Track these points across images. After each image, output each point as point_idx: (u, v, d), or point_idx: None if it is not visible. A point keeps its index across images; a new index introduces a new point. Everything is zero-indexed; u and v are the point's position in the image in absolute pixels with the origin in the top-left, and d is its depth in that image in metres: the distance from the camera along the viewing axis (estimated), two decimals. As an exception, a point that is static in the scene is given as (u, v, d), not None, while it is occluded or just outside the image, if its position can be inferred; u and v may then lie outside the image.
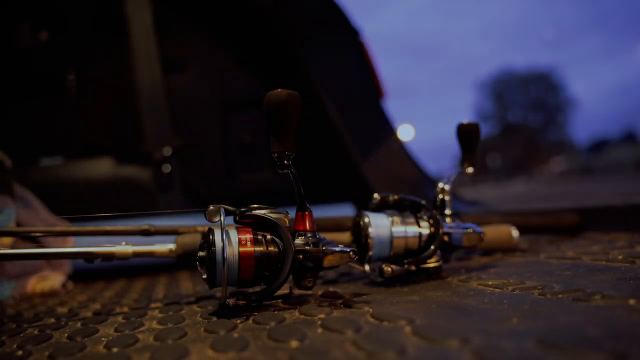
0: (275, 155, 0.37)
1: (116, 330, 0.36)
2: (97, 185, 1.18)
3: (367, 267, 0.49)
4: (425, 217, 0.50)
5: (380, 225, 0.48)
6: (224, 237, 0.36)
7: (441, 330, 0.26)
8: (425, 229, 0.50)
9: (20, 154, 0.96)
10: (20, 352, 0.32)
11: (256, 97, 1.40)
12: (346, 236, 0.54)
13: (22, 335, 0.39)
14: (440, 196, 0.54)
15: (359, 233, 0.49)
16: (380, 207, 0.52)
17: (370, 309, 0.35)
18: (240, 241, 0.38)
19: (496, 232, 0.61)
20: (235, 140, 1.42)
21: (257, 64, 1.40)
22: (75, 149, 1.30)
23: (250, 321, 0.35)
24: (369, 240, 0.47)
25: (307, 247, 0.38)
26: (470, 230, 0.51)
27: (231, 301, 0.39)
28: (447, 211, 0.53)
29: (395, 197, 0.52)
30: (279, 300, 0.42)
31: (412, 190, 1.32)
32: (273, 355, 0.26)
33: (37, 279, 0.68)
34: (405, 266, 0.47)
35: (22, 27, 1.28)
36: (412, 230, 0.49)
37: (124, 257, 0.46)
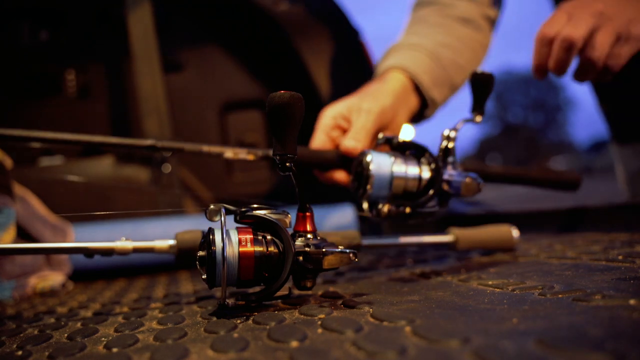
0: (277, 157, 0.37)
1: (116, 330, 0.36)
2: (97, 185, 1.18)
3: (365, 205, 0.49)
4: (427, 162, 0.51)
5: (382, 164, 0.49)
6: (224, 236, 0.36)
7: (441, 330, 0.26)
8: (426, 173, 0.50)
9: (20, 154, 0.96)
10: (20, 352, 0.32)
11: (256, 97, 1.41)
12: (351, 235, 0.54)
13: (22, 335, 0.39)
14: (445, 143, 0.54)
15: (360, 171, 0.50)
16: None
17: (370, 309, 0.35)
18: (240, 241, 0.38)
19: (496, 232, 0.61)
20: (235, 140, 1.42)
21: (257, 64, 1.40)
22: (75, 149, 1.30)
23: (250, 321, 0.35)
24: (370, 177, 0.48)
25: (307, 249, 0.38)
26: (468, 180, 0.51)
27: (231, 301, 0.39)
28: (450, 159, 0.53)
29: (400, 139, 0.52)
30: (279, 301, 0.42)
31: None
32: (273, 355, 0.26)
33: (37, 279, 0.68)
34: (401, 208, 0.47)
35: (22, 26, 1.28)
36: (412, 172, 0.50)
37: (123, 252, 0.46)
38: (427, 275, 0.50)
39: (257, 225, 0.40)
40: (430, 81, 0.78)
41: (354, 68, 1.31)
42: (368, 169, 0.48)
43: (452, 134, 0.54)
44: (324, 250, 0.38)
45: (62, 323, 0.42)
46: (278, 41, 1.33)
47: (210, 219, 0.44)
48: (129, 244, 0.46)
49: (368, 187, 0.48)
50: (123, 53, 1.26)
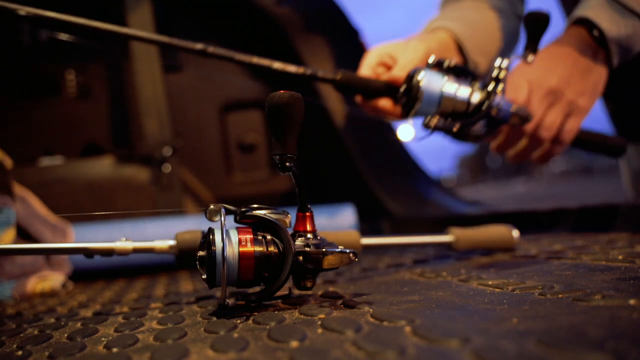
0: (277, 157, 0.37)
1: (116, 330, 0.36)
2: (97, 185, 1.18)
3: (410, 121, 0.50)
4: (477, 87, 0.51)
5: (433, 80, 0.49)
6: (224, 236, 0.36)
7: (441, 330, 0.26)
8: (476, 96, 0.50)
9: (20, 154, 0.96)
10: (20, 352, 0.32)
11: (256, 97, 1.41)
12: (351, 235, 0.54)
13: (22, 335, 0.39)
14: (496, 72, 0.54)
15: (410, 86, 0.50)
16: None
17: (370, 309, 0.35)
18: (240, 241, 0.38)
19: (496, 232, 0.61)
20: (234, 140, 1.42)
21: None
22: (75, 149, 1.30)
23: (250, 321, 0.35)
24: (420, 92, 0.48)
25: (307, 249, 0.38)
26: (516, 110, 0.51)
27: (231, 301, 0.39)
28: (499, 88, 0.53)
29: (453, 62, 0.53)
30: (279, 300, 0.42)
31: (411, 190, 1.32)
32: (273, 355, 0.26)
33: (37, 279, 0.68)
34: (450, 123, 0.48)
35: (21, 26, 1.28)
36: (462, 94, 0.50)
37: (123, 252, 0.46)
38: (427, 275, 0.50)
39: (257, 225, 0.40)
40: (472, 46, 0.78)
41: (354, 68, 1.31)
42: (418, 85, 0.48)
43: (504, 64, 0.54)
44: (323, 250, 0.38)
45: (62, 323, 0.42)
46: (278, 41, 1.33)
47: (210, 219, 0.44)
48: (129, 245, 0.46)
49: (417, 102, 0.48)
50: (123, 53, 1.26)
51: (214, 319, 0.37)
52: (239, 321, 0.35)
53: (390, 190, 1.27)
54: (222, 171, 1.39)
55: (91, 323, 0.40)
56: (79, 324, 0.41)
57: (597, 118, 1.10)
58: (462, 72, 0.53)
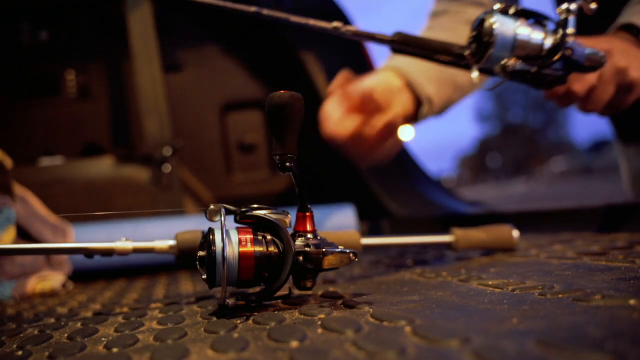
0: (277, 157, 0.37)
1: (116, 330, 0.36)
2: (97, 185, 1.18)
3: (475, 73, 0.49)
4: (549, 29, 0.50)
5: (506, 23, 0.48)
6: (224, 236, 0.36)
7: (441, 330, 0.26)
8: (549, 39, 0.49)
9: (20, 154, 0.96)
10: (20, 352, 0.32)
11: (256, 97, 1.41)
12: (351, 235, 0.54)
13: (22, 335, 0.39)
14: (564, 15, 0.53)
15: (481, 32, 0.49)
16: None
17: (370, 309, 0.35)
18: (240, 241, 0.38)
19: (496, 232, 0.61)
20: (234, 140, 1.42)
21: (256, 64, 1.40)
22: (75, 149, 1.30)
23: (250, 321, 0.35)
24: (493, 36, 0.47)
25: (307, 249, 0.38)
26: (591, 51, 0.50)
27: (231, 301, 0.39)
28: (570, 30, 0.52)
29: (520, 7, 0.52)
30: (279, 300, 0.42)
31: (411, 190, 1.32)
32: (273, 355, 0.26)
33: (37, 279, 0.68)
34: (527, 65, 0.46)
35: (21, 26, 1.28)
36: (536, 37, 0.49)
37: (123, 252, 0.46)
38: (427, 275, 0.50)
39: (257, 225, 0.40)
40: (424, 77, 0.77)
41: (354, 68, 1.31)
42: (491, 28, 0.47)
43: (572, 7, 0.53)
44: (323, 250, 0.38)
45: (62, 323, 0.42)
46: (278, 41, 1.33)
47: (210, 219, 0.44)
48: (129, 245, 0.46)
49: (490, 47, 0.47)
50: (123, 53, 1.26)
51: (214, 319, 0.37)
52: (239, 321, 0.35)
53: (390, 190, 1.28)
54: (222, 171, 1.39)
55: (91, 323, 0.40)
56: (79, 324, 0.41)
57: (598, 119, 1.10)
58: (532, 15, 0.51)
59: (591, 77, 0.63)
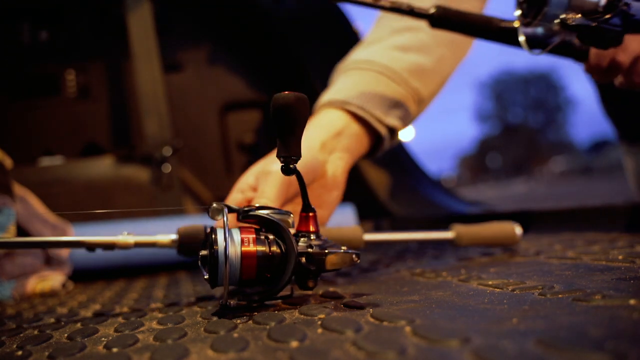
0: (281, 159, 0.37)
1: (116, 330, 0.36)
2: (97, 185, 1.18)
3: (522, 38, 0.48)
4: None
5: None
6: (227, 236, 0.36)
7: (441, 330, 0.26)
8: None
9: (20, 154, 0.96)
10: (20, 352, 0.32)
11: (256, 97, 1.40)
12: (354, 231, 0.54)
13: (22, 335, 0.39)
14: None
15: None
16: None
17: (370, 309, 0.35)
18: (242, 241, 0.38)
19: (498, 228, 0.61)
20: (234, 140, 1.42)
21: (257, 64, 1.40)
22: (75, 149, 1.30)
23: (250, 321, 0.35)
24: None
25: (309, 249, 0.38)
26: None
27: (233, 301, 0.39)
28: None
29: None
30: (279, 300, 0.42)
31: (411, 190, 1.32)
32: (273, 355, 0.26)
33: (37, 279, 0.68)
34: (586, 20, 0.46)
35: (21, 26, 1.28)
36: None
37: (125, 246, 0.46)
38: (427, 275, 0.50)
39: (260, 225, 0.40)
40: (381, 105, 0.63)
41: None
42: None
43: None
44: (326, 251, 0.38)
45: (62, 323, 0.42)
46: (278, 41, 1.33)
47: (213, 218, 0.44)
48: (130, 239, 0.46)
49: (545, 4, 0.46)
50: (123, 53, 1.26)
51: (214, 319, 0.37)
52: (239, 321, 0.35)
53: (390, 190, 1.28)
54: (222, 171, 1.39)
55: (91, 323, 0.40)
56: (79, 324, 0.41)
57: (598, 119, 1.10)
58: None
59: (637, 47, 0.60)
